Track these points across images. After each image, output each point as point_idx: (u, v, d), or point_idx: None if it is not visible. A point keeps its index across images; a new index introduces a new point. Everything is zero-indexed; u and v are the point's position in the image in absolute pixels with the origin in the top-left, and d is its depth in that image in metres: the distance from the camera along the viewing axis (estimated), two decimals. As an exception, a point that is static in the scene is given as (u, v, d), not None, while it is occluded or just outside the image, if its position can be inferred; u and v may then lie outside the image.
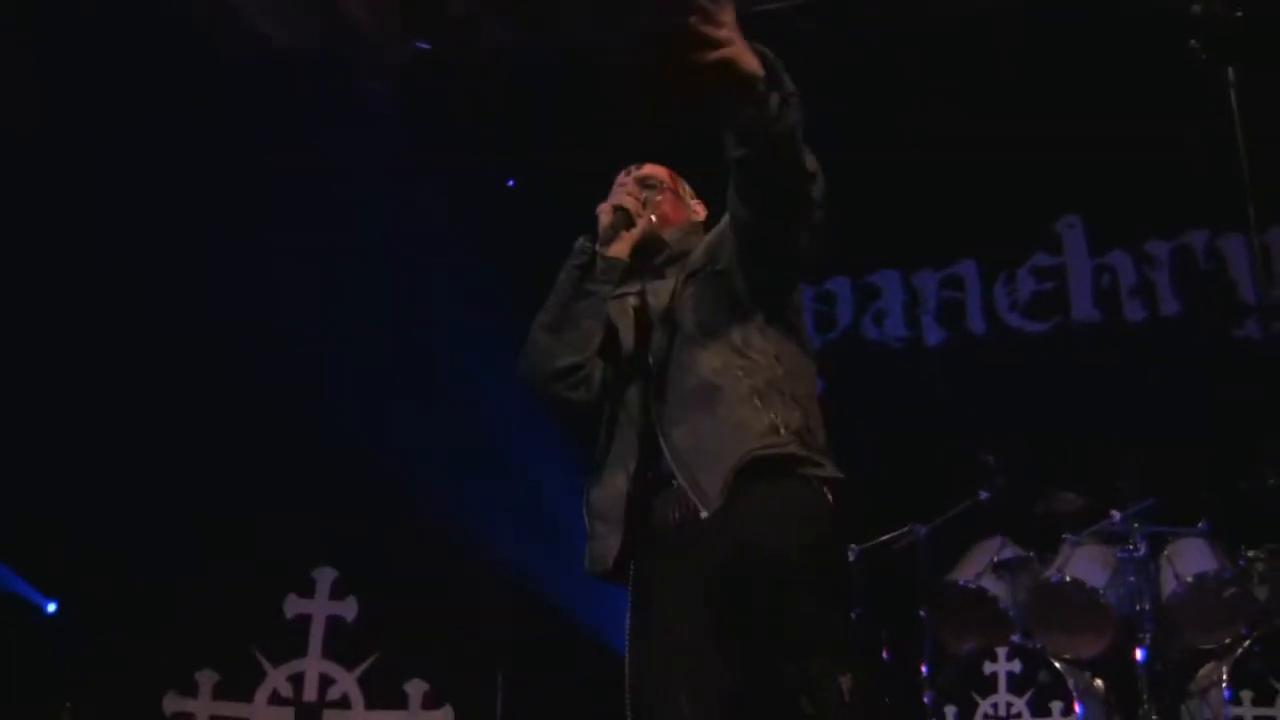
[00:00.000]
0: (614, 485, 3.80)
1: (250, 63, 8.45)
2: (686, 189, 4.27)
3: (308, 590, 8.52)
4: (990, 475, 7.26)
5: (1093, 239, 8.51)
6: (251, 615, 8.34)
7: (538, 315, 3.95)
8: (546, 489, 7.71)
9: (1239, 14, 3.10)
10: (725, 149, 3.43)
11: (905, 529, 7.36)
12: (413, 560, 8.27)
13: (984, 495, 7.26)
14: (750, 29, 3.00)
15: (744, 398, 3.65)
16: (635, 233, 3.97)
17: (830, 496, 3.67)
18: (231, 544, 8.17)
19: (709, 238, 3.94)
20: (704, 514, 3.55)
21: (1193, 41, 3.16)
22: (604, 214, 3.98)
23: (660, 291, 3.95)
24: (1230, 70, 3.10)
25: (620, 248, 3.93)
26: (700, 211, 4.21)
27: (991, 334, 8.59)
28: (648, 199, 4.06)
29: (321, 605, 8.49)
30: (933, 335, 8.61)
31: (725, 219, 3.81)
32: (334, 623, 8.46)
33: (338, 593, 8.52)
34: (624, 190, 4.03)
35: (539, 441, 7.42)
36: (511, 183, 8.87)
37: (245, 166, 8.26)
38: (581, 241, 3.96)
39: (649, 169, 4.13)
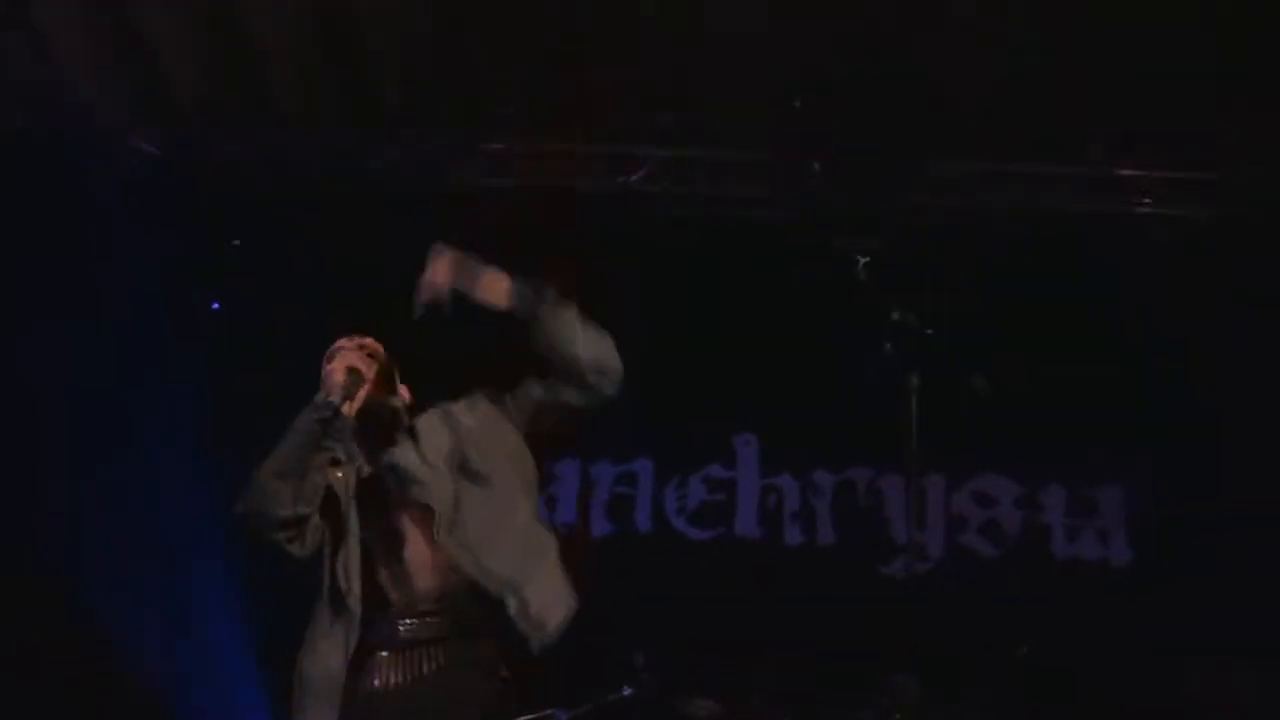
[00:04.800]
0: (328, 660, 3.81)
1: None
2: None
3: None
4: (637, 672, 7.43)
5: (765, 459, 8.89)
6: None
7: (265, 461, 3.84)
8: (219, 626, 7.75)
9: (929, 331, 3.41)
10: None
11: (547, 712, 7.44)
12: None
13: (627, 691, 7.41)
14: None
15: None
16: (361, 396, 4.01)
17: (514, 697, 3.88)
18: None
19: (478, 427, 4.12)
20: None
21: (887, 345, 3.45)
22: (337, 372, 3.90)
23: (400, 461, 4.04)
24: (914, 376, 3.40)
25: (350, 408, 3.96)
26: (406, 394, 4.19)
27: (656, 534, 8.83)
28: (371, 366, 4.08)
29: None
30: (599, 526, 8.81)
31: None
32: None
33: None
34: (354, 354, 4.00)
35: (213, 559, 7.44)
36: (216, 305, 8.75)
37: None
38: (322, 396, 3.89)
39: (370, 341, 4.11)
